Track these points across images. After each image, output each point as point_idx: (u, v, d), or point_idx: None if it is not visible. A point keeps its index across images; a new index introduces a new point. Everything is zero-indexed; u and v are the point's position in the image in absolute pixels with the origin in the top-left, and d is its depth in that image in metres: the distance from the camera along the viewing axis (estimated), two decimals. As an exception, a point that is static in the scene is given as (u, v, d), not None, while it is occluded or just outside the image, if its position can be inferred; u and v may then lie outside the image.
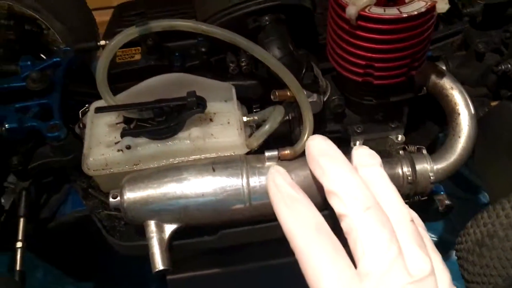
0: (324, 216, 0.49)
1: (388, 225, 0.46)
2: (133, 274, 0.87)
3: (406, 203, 0.67)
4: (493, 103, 0.76)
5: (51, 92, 0.70)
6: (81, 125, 0.70)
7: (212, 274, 0.83)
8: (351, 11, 0.54)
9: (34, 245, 0.81)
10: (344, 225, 0.47)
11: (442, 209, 1.03)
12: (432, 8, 0.55)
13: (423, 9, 0.54)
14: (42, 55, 0.92)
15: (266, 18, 0.66)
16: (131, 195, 0.61)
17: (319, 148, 0.53)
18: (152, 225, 0.61)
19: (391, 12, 0.55)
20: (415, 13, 0.54)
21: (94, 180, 0.69)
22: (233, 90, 0.69)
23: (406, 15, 0.54)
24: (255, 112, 0.73)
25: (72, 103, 0.74)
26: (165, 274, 0.81)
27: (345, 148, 0.71)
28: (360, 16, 0.55)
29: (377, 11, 0.55)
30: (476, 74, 0.75)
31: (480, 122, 0.71)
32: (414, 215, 0.53)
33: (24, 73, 0.70)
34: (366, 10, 0.55)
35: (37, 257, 0.85)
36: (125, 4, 0.84)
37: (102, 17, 1.03)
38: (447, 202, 1.03)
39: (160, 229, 0.61)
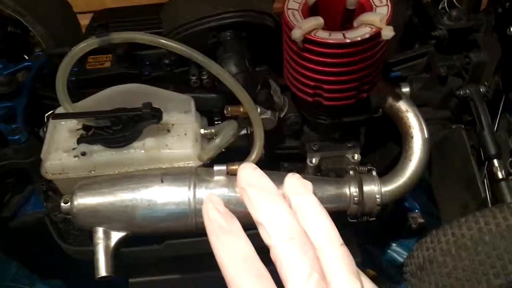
0: None
1: (310, 254, 0.48)
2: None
3: (354, 223, 0.68)
4: (454, 126, 0.76)
5: (18, 95, 0.72)
6: (45, 129, 0.72)
7: (173, 279, 0.85)
8: (297, 34, 0.55)
9: (1, 243, 0.84)
10: (271, 255, 0.49)
11: (416, 227, 1.03)
12: (376, 35, 0.55)
13: (367, 35, 0.55)
14: (26, 57, 0.95)
15: (226, 34, 0.67)
16: (81, 201, 0.62)
17: (247, 178, 0.55)
18: (99, 231, 0.63)
19: (336, 36, 0.56)
20: (359, 39, 0.55)
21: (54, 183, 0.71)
22: (192, 103, 0.70)
23: (349, 40, 0.55)
24: (217, 124, 0.75)
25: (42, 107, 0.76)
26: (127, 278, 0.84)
27: (303, 164, 0.74)
28: (306, 39, 0.56)
29: (322, 35, 0.56)
30: (439, 97, 0.75)
31: (436, 146, 0.71)
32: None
33: (-6, 76, 0.73)
34: (312, 33, 0.56)
35: (6, 255, 0.88)
36: (102, 12, 0.86)
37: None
38: (420, 220, 1.04)
39: (107, 236, 0.63)
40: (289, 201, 0.53)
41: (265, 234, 0.50)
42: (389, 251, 1.07)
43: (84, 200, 0.62)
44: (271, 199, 0.52)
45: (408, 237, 1.10)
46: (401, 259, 1.06)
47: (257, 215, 0.51)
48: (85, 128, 0.68)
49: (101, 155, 0.66)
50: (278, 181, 0.55)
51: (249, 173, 0.55)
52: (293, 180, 0.55)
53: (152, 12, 0.85)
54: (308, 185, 0.55)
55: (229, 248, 0.50)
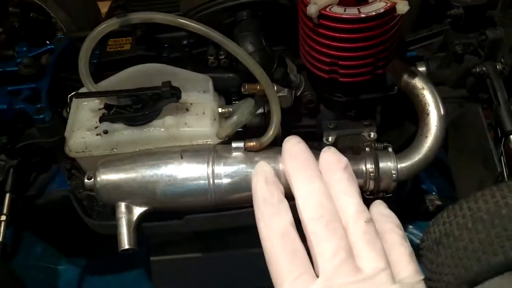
0: None
1: (337, 232, 0.51)
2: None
3: (371, 198, 0.69)
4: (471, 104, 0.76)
5: (42, 77, 0.75)
6: (68, 110, 0.74)
7: (194, 258, 0.87)
8: (312, 9, 0.56)
9: (27, 222, 0.87)
10: (303, 229, 0.53)
11: (433, 209, 1.03)
12: (391, 9, 0.56)
13: (381, 10, 0.56)
14: (48, 42, 0.98)
15: (243, 13, 0.68)
16: (104, 177, 0.65)
17: (290, 152, 0.58)
18: (122, 206, 0.65)
19: (351, 12, 0.56)
20: (373, 13, 0.55)
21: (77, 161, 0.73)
22: (210, 82, 0.72)
23: (364, 15, 0.55)
24: (234, 103, 0.76)
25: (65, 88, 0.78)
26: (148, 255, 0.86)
27: (319, 143, 0.75)
28: (321, 15, 0.57)
29: (337, 11, 0.56)
30: (456, 75, 0.75)
31: (453, 123, 0.71)
32: (388, 213, 0.58)
33: (19, 59, 0.75)
34: (327, 9, 0.57)
35: (32, 233, 0.91)
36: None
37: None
38: (437, 202, 1.03)
39: (129, 211, 0.65)
40: (323, 175, 0.56)
41: (298, 209, 0.53)
42: (406, 233, 1.07)
43: (107, 176, 0.65)
44: (308, 175, 0.55)
45: (425, 219, 1.10)
46: (418, 241, 1.06)
47: (294, 189, 0.55)
48: (107, 107, 0.70)
49: (123, 133, 0.68)
50: (318, 155, 0.58)
51: (292, 146, 0.58)
52: (328, 155, 0.58)
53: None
54: (342, 160, 0.58)
55: (269, 221, 0.54)
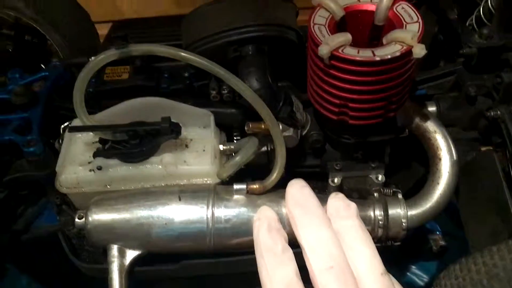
0: None
1: (349, 284, 0.47)
2: None
3: (378, 246, 0.66)
4: (483, 148, 0.73)
5: (34, 106, 0.71)
6: (60, 141, 0.70)
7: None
8: (324, 50, 0.53)
9: (13, 256, 0.83)
10: (311, 280, 0.49)
11: (436, 249, 0.99)
12: (407, 53, 0.53)
13: (397, 53, 0.53)
14: (43, 66, 0.94)
15: (247, 48, 0.65)
16: (96, 217, 0.61)
17: (295, 198, 0.54)
18: (114, 249, 0.61)
19: (365, 54, 0.53)
20: (389, 56, 0.52)
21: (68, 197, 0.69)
22: (212, 118, 0.68)
23: (379, 58, 0.52)
24: (236, 140, 0.73)
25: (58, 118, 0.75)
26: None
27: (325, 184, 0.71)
28: (333, 56, 0.54)
29: (350, 52, 0.53)
30: (467, 117, 0.72)
31: (465, 168, 0.68)
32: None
33: (11, 86, 0.72)
34: (340, 50, 0.54)
35: (17, 268, 0.86)
36: (121, 23, 0.85)
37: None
38: (441, 242, 0.99)
39: (122, 254, 0.61)
40: (332, 223, 0.52)
41: (306, 260, 0.49)
42: (408, 273, 1.03)
43: (99, 216, 0.61)
44: (315, 223, 0.51)
45: (429, 260, 1.07)
46: (421, 283, 1.03)
47: (300, 238, 0.51)
48: (102, 141, 0.67)
49: (118, 169, 0.64)
50: (323, 200, 0.54)
51: (297, 191, 0.54)
52: (336, 201, 0.54)
53: (171, 24, 0.84)
54: (351, 207, 0.54)
55: (272, 271, 0.49)
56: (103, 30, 1.05)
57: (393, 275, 0.52)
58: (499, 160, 0.67)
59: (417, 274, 1.03)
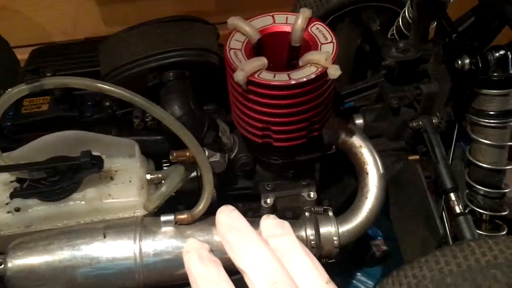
0: None
1: None
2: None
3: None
4: (411, 158, 0.75)
5: None
6: (-25, 182, 0.66)
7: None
8: (239, 76, 0.52)
9: None
10: None
11: (379, 255, 1.01)
12: (322, 75, 0.53)
13: (312, 76, 0.53)
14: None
15: (167, 74, 0.64)
16: (16, 262, 0.57)
17: (227, 223, 0.54)
18: (37, 295, 0.58)
19: (281, 78, 0.53)
20: (304, 79, 0.52)
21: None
22: (136, 147, 0.66)
23: (295, 81, 0.52)
24: (165, 168, 0.71)
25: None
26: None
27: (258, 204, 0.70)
28: (250, 81, 0.53)
29: (266, 77, 0.53)
30: (393, 128, 0.74)
31: (392, 179, 0.69)
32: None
33: None
34: (256, 75, 0.53)
35: None
36: (37, 51, 0.81)
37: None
38: (383, 247, 1.01)
39: (47, 300, 0.58)
40: (268, 243, 0.51)
41: (248, 281, 0.48)
42: (353, 281, 1.04)
43: (19, 261, 0.57)
44: (251, 244, 0.50)
45: (373, 266, 1.08)
46: (366, 290, 1.04)
47: (239, 261, 0.50)
48: (19, 180, 0.63)
49: (37, 209, 0.61)
50: (255, 223, 0.53)
51: (226, 217, 0.54)
52: (270, 222, 0.53)
53: (93, 49, 0.81)
54: (285, 225, 0.53)
55: None
56: (24, 55, 1.01)
57: (338, 284, 0.52)
58: (424, 168, 0.69)
59: (362, 281, 1.04)
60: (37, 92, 0.71)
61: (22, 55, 1.02)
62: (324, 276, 0.49)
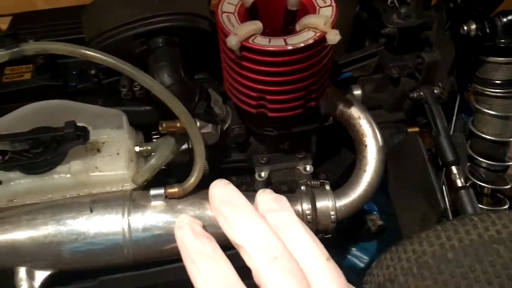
0: None
1: (296, 274, 0.45)
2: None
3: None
4: (410, 129, 0.72)
5: None
6: (-46, 155, 0.63)
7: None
8: (232, 41, 0.49)
9: None
10: (254, 277, 0.46)
11: (375, 230, 0.99)
12: (321, 40, 0.50)
13: (310, 41, 0.49)
14: None
15: (156, 41, 0.60)
16: (-2, 237, 0.55)
17: (221, 196, 0.52)
18: (21, 272, 0.55)
19: (277, 43, 0.49)
20: (302, 45, 0.49)
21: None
22: (124, 117, 0.63)
23: (291, 47, 0.49)
24: (154, 139, 0.68)
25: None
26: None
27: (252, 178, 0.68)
28: (243, 47, 0.50)
29: (261, 42, 0.50)
30: (392, 99, 0.71)
31: (391, 152, 0.67)
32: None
33: None
34: (250, 40, 0.50)
35: None
36: (17, 17, 0.77)
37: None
38: (379, 222, 0.99)
39: (31, 276, 0.55)
40: (265, 219, 0.49)
41: (246, 256, 0.46)
42: (349, 256, 1.03)
43: (1, 237, 0.54)
44: (249, 218, 0.48)
45: (368, 240, 1.06)
46: (361, 264, 1.03)
47: (236, 236, 0.48)
48: (0, 152, 0.60)
49: (20, 182, 0.58)
50: (251, 198, 0.51)
51: (222, 189, 0.52)
52: (266, 197, 0.51)
53: (77, 15, 0.77)
54: (282, 199, 0.51)
55: (207, 274, 0.46)
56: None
57: (334, 259, 0.51)
58: (424, 140, 0.66)
59: (357, 256, 1.03)
60: (19, 59, 0.68)
61: (4, 24, 0.98)
62: (325, 253, 0.48)
